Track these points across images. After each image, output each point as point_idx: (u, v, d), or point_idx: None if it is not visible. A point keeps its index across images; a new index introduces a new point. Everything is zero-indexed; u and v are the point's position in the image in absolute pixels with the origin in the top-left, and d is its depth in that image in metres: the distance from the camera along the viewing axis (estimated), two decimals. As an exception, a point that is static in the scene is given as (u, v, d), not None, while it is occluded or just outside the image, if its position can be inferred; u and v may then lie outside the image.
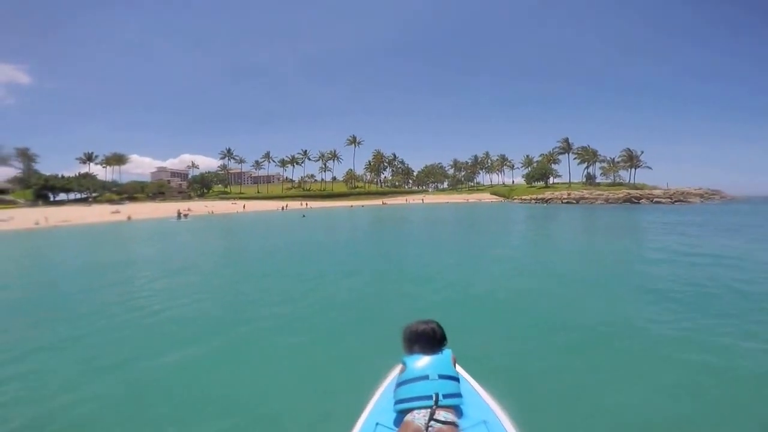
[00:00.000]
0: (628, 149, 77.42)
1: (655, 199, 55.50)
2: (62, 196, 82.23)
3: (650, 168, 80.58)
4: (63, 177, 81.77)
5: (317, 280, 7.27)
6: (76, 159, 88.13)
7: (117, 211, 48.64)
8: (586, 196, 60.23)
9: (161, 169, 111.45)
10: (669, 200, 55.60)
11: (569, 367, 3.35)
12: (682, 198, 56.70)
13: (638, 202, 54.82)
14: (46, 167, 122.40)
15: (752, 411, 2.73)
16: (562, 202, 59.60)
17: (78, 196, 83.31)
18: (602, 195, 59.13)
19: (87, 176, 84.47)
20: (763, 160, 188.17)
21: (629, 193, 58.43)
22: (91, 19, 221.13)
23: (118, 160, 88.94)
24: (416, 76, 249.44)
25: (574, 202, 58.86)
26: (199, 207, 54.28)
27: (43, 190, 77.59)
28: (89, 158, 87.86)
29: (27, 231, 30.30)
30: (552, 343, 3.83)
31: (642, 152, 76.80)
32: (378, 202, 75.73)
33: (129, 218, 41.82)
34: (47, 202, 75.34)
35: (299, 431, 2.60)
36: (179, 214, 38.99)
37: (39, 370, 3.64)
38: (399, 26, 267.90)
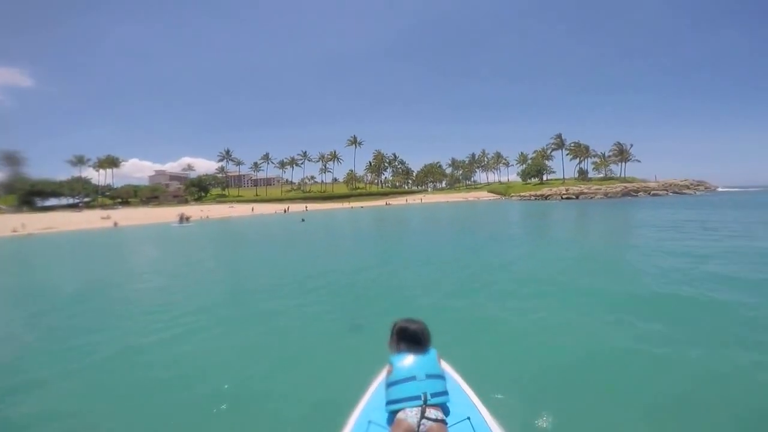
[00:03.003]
0: (619, 143, 79.69)
1: (652, 192, 57.70)
2: (54, 201, 79.22)
3: (639, 161, 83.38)
4: (52, 181, 78.67)
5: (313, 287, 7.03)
6: (66, 162, 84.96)
7: (107, 217, 46.63)
8: (585, 191, 61.65)
9: (159, 173, 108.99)
10: (665, 192, 58.02)
11: (553, 369, 3.40)
12: (677, 190, 59.31)
13: (636, 195, 56.72)
14: (47, 171, 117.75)
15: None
16: (562, 198, 60.53)
17: (71, 201, 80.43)
18: (601, 189, 60.70)
19: (79, 180, 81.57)
20: (733, 151, 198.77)
21: (626, 187, 60.37)
22: (92, 22, 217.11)
23: (111, 162, 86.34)
24: (414, 76, 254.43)
25: (574, 197, 59.90)
26: (194, 211, 51.82)
27: (29, 196, 74.21)
28: (80, 161, 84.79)
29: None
30: (539, 346, 3.91)
31: (632, 145, 79.37)
32: (379, 202, 75.38)
33: (116, 225, 38.87)
34: (33, 208, 72.11)
35: (293, 428, 2.70)
36: (181, 218, 36.92)
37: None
38: (396, 29, 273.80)
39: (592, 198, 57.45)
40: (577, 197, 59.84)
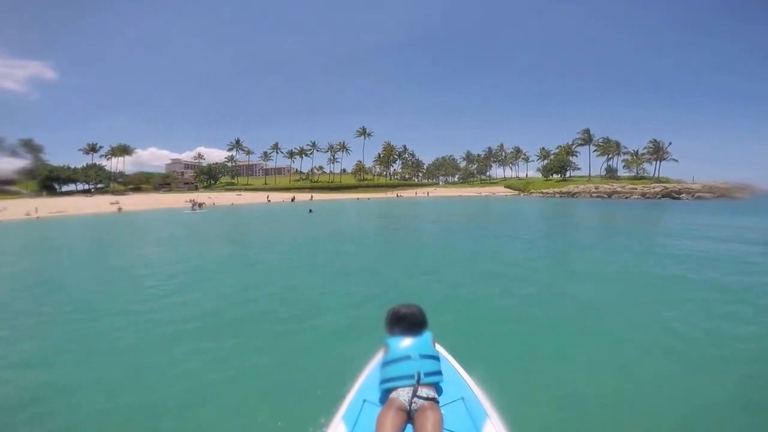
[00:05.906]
0: (655, 140, 71.53)
1: (696, 194, 50.50)
2: (72, 186, 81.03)
3: (677, 161, 75.17)
4: (68, 167, 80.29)
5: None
6: (79, 150, 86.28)
7: (116, 202, 48.22)
8: (619, 190, 55.29)
9: (175, 161, 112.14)
10: (711, 195, 50.52)
11: (544, 352, 3.47)
12: (725, 193, 51.62)
13: (678, 197, 49.81)
14: (67, 160, 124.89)
15: None
16: (591, 196, 54.89)
17: (85, 186, 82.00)
18: (636, 189, 54.11)
19: (93, 167, 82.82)
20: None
21: (666, 187, 53.38)
22: (112, 15, 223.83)
23: (123, 150, 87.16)
24: (429, 70, 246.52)
25: (606, 196, 53.96)
26: (203, 198, 54.96)
27: (48, 181, 76.36)
28: (93, 149, 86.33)
29: (11, 222, 29.49)
30: (529, 331, 4.00)
31: (670, 143, 71.05)
32: (389, 194, 72.43)
33: (120, 210, 39.95)
34: (52, 192, 73.84)
35: (291, 407, 2.77)
36: (194, 204, 37.65)
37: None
38: (414, 21, 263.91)
39: (627, 198, 51.09)
40: (609, 196, 53.74)
